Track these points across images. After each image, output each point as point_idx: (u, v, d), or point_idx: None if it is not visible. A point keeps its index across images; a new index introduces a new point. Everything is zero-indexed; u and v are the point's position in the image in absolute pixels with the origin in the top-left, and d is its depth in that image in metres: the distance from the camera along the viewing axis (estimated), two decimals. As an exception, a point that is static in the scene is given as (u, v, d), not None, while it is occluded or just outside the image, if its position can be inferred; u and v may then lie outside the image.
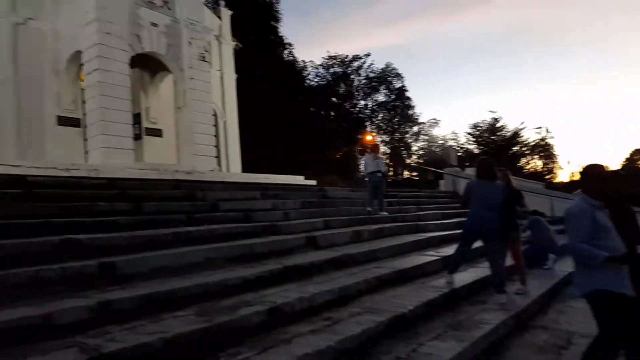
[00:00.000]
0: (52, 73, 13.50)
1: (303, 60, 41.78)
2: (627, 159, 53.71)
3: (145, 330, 3.18)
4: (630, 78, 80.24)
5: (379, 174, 9.96)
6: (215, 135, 15.31)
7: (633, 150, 54.50)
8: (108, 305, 3.44)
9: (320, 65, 43.40)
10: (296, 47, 63.85)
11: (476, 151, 41.24)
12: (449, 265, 5.71)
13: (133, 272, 4.28)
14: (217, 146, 16.25)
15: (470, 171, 18.60)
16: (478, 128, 41.96)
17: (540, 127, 40.66)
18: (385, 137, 45.20)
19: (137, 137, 14.19)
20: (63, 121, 13.40)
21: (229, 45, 19.79)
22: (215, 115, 17.15)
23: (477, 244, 5.61)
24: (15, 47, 13.02)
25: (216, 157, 15.36)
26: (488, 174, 5.31)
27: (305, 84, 41.31)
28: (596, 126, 78.53)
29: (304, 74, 41.66)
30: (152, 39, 13.48)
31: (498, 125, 41.26)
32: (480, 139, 41.88)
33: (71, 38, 13.03)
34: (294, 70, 38.36)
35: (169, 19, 13.96)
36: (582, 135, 77.60)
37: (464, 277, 5.88)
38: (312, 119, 32.89)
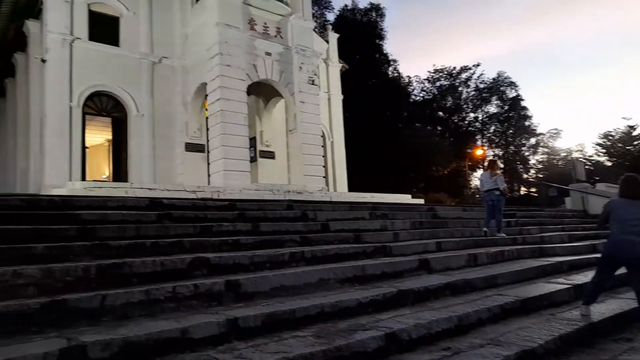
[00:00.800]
0: (181, 104, 15.12)
1: (408, 76, 41.47)
2: None
3: (269, 349, 3.32)
4: None
5: (497, 192, 9.36)
6: (323, 156, 15.78)
7: None
8: (235, 322, 3.66)
9: (425, 79, 42.70)
10: (401, 62, 63.78)
11: (608, 164, 36.83)
12: (584, 295, 5.10)
13: (255, 291, 4.52)
14: (324, 166, 16.71)
15: (602, 187, 16.68)
16: (609, 138, 37.50)
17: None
18: (499, 151, 42.60)
19: (253, 160, 15.19)
20: (190, 147, 14.89)
21: (335, 67, 20.40)
22: (323, 135, 17.70)
23: (619, 271, 4.96)
24: (152, 84, 14.85)
25: (324, 176, 15.79)
26: (634, 192, 4.69)
27: (411, 100, 40.83)
28: None
29: (409, 90, 41.26)
30: (266, 67, 14.44)
31: (635, 133, 36.42)
32: (612, 150, 37.33)
33: (197, 72, 14.50)
34: (399, 86, 38.20)
35: (282, 47, 14.85)
36: None
37: (603, 309, 5.22)
38: (417, 134, 32.30)
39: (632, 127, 36.47)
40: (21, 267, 3.82)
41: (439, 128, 41.15)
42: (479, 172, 40.42)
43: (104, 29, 14.30)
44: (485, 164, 26.34)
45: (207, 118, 14.39)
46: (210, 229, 6.38)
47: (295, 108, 14.98)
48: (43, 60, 13.32)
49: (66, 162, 12.78)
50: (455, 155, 34.97)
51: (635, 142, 36.45)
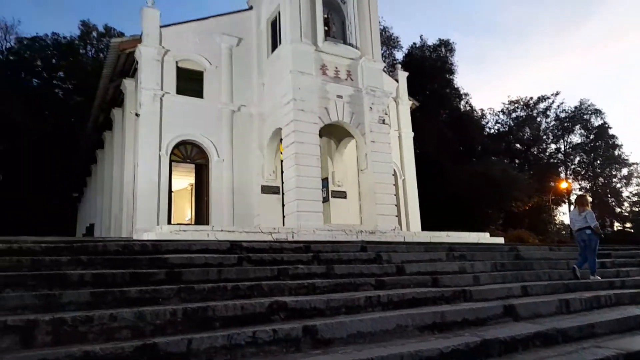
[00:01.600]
0: (257, 149, 15.90)
1: (481, 109, 40.46)
2: None
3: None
4: None
5: (588, 231, 8.67)
6: (395, 194, 15.63)
7: None
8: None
9: (500, 111, 41.24)
10: (473, 95, 62.49)
11: None
12: None
13: (332, 337, 4.50)
14: (397, 204, 16.50)
15: None
16: None
17: None
18: (585, 184, 39.59)
19: (325, 200, 15.42)
20: (266, 189, 15.49)
21: (405, 105, 20.45)
22: (394, 174, 17.60)
23: None
24: (232, 130, 15.81)
25: (396, 215, 15.58)
26: None
27: (485, 133, 39.55)
28: None
29: (483, 123, 40.06)
30: (337, 109, 14.85)
31: None
32: None
33: (273, 118, 15.25)
34: (472, 119, 37.27)
35: (352, 89, 15.24)
36: None
37: None
38: (493, 168, 31.01)
39: None
40: (117, 311, 4.14)
41: (517, 161, 39.24)
42: (565, 207, 37.73)
43: (189, 82, 15.63)
44: (573, 199, 24.53)
45: (281, 161, 14.95)
46: (287, 271, 6.50)
47: (366, 148, 15.12)
48: (137, 114, 14.76)
49: (155, 206, 13.82)
50: (536, 189, 32.98)
51: None
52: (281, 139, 14.63)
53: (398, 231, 13.99)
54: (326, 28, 15.56)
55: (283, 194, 14.53)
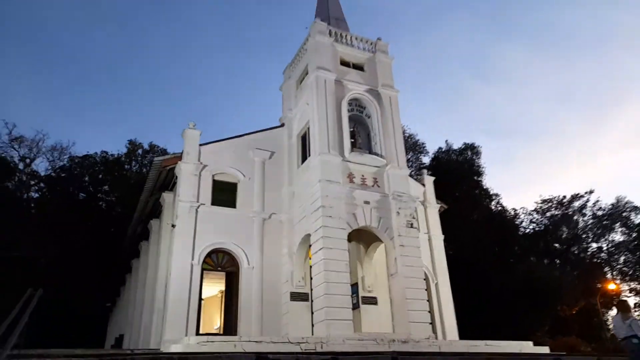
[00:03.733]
0: (286, 255, 16.14)
1: (514, 209, 39.97)
2: None
3: None
4: None
5: (635, 340, 8.15)
6: (427, 300, 15.17)
7: None
8: None
9: (533, 210, 40.58)
10: (504, 195, 62.27)
11: None
12: None
13: None
14: (430, 311, 15.92)
15: None
16: None
17: None
18: (635, 284, 37.11)
19: (355, 306, 15.07)
20: (295, 297, 15.38)
21: (434, 208, 20.65)
22: (426, 278, 17.25)
23: None
24: (262, 238, 16.25)
25: (430, 322, 14.96)
26: None
27: (520, 233, 38.62)
28: None
29: (516, 223, 39.29)
30: (365, 214, 15.20)
31: None
32: None
33: (302, 224, 15.70)
34: (505, 219, 36.72)
35: (379, 195, 15.72)
36: None
37: None
38: (533, 269, 29.70)
39: None
40: None
41: (557, 261, 37.59)
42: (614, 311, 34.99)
43: (223, 193, 16.54)
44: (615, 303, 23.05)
45: (310, 267, 15.04)
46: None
47: (395, 252, 15.11)
48: (173, 225, 15.50)
49: (184, 316, 13.86)
50: (582, 291, 31.08)
51: None
52: (310, 245, 14.88)
53: (432, 340, 13.32)
54: (352, 140, 16.60)
55: (312, 301, 14.37)
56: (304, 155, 16.97)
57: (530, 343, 13.52)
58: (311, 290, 14.64)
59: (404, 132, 28.25)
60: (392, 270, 15.16)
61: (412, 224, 15.82)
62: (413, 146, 37.32)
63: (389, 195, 15.88)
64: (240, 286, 15.42)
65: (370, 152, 16.55)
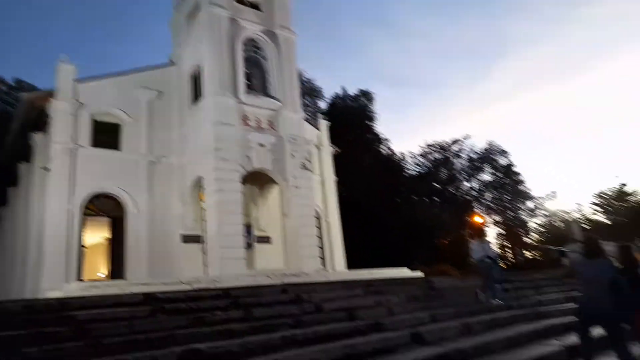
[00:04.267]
0: (178, 199, 15.70)
1: (401, 152, 42.76)
2: None
3: None
4: None
5: (488, 260, 9.55)
6: (319, 237, 16.02)
7: None
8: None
9: (419, 154, 43.96)
10: (394, 141, 66.23)
11: (607, 222, 36.83)
12: (581, 356, 5.16)
13: (244, 377, 4.60)
14: (321, 247, 16.86)
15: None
16: (604, 196, 37.90)
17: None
18: (497, 217, 42.70)
19: (249, 246, 15.40)
20: (187, 239, 15.19)
21: (327, 151, 21.32)
22: (318, 217, 18.06)
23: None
24: (151, 181, 15.53)
25: (321, 257, 15.89)
26: (593, 251, 4.95)
27: (406, 174, 41.78)
28: None
29: (403, 165, 42.34)
30: (260, 157, 15.20)
31: (626, 189, 36.91)
32: (609, 208, 37.55)
33: (194, 167, 15.25)
34: (393, 162, 39.30)
35: (274, 138, 15.74)
36: None
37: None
38: (416, 207, 32.63)
39: (623, 184, 37.10)
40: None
41: (437, 199, 41.63)
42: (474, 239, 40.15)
43: (106, 135, 15.25)
44: (488, 231, 26.42)
45: (203, 210, 14.87)
46: (203, 319, 6.50)
47: (289, 193, 15.50)
48: (46, 169, 14.09)
49: (63, 265, 13.00)
50: (455, 225, 35.03)
51: (629, 198, 36.79)
52: (203, 188, 14.62)
53: (322, 272, 14.26)
54: (248, 82, 16.13)
55: (205, 242, 14.34)
56: (196, 96, 16.19)
57: (407, 269, 15.11)
58: (204, 232, 14.56)
59: (301, 77, 28.17)
60: (286, 211, 15.60)
61: (306, 167, 16.25)
62: (310, 91, 37.55)
63: (284, 138, 15.99)
64: (127, 232, 14.75)
65: (266, 94, 16.30)
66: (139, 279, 10.94)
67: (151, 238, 14.88)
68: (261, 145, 15.39)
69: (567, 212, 40.05)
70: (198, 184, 15.10)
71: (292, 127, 16.31)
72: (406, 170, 42.71)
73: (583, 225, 32.47)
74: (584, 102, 78.41)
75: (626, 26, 72.18)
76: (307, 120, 20.93)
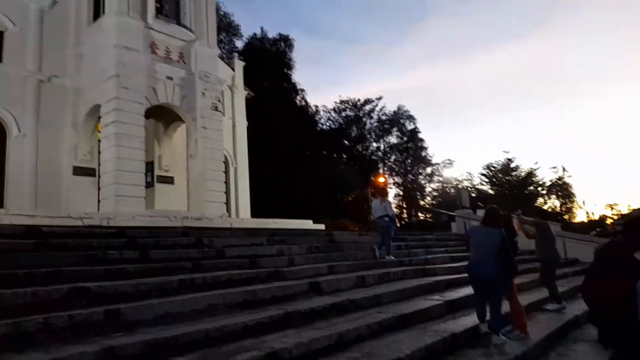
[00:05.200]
0: (71, 126, 14.20)
1: (315, 105, 42.81)
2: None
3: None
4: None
5: (387, 218, 10.07)
6: (225, 182, 15.68)
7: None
8: (112, 351, 3.58)
9: (332, 109, 44.41)
10: (309, 93, 66.05)
11: (491, 192, 40.93)
12: (478, 315, 5.72)
13: (137, 319, 4.42)
14: (227, 192, 16.55)
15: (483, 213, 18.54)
16: (492, 169, 41.89)
17: (555, 167, 39.95)
18: (398, 179, 45.33)
19: (149, 185, 14.61)
20: (79, 171, 13.95)
21: (241, 94, 20.57)
22: (226, 162, 17.60)
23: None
24: (39, 103, 13.80)
25: (226, 203, 15.64)
26: (492, 222, 5.45)
27: (318, 128, 42.15)
28: (616, 164, 76.54)
29: (317, 119, 42.59)
30: (167, 91, 14.16)
31: (512, 165, 41.14)
32: (494, 180, 41.69)
33: (91, 93, 13.79)
34: (307, 115, 39.28)
35: (184, 72, 14.71)
36: (601, 174, 75.63)
37: (467, 321, 5.87)
38: (325, 162, 33.30)
39: (510, 160, 41.23)
40: None
41: (345, 156, 42.84)
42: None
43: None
44: (389, 191, 27.91)
45: (99, 141, 13.66)
46: (94, 257, 6.08)
47: (196, 133, 14.80)
48: None
49: None
50: (360, 182, 36.54)
51: (513, 173, 41.12)
52: (100, 117, 13.35)
53: (226, 218, 14.09)
54: (158, 5, 14.65)
55: (99, 176, 13.30)
56: (97, 12, 14.39)
57: (310, 222, 15.51)
58: (99, 165, 13.46)
59: (218, 10, 26.45)
60: (192, 152, 14.94)
61: (217, 107, 15.56)
62: (227, 26, 35.48)
63: (195, 73, 15.01)
64: (7, 156, 13.13)
65: (179, 23, 14.94)
66: (21, 210, 9.86)
67: (37, 166, 13.39)
68: (169, 78, 14.31)
69: (459, 181, 43.66)
70: (95, 113, 13.74)
71: (205, 63, 15.36)
72: (319, 124, 43.14)
73: (471, 193, 35.64)
74: (500, 73, 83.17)
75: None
76: (221, 57, 19.86)
